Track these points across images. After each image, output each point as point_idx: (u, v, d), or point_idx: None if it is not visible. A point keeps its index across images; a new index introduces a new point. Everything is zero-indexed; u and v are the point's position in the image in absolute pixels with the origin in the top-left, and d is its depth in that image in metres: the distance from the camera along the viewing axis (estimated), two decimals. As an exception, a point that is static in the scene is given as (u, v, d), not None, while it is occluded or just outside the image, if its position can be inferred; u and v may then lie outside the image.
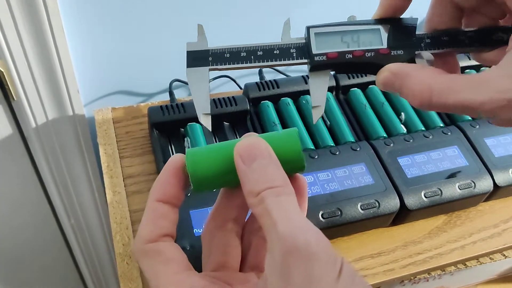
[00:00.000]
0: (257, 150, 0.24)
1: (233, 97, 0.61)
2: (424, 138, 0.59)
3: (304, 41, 0.29)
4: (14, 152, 0.69)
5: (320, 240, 0.20)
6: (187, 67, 0.28)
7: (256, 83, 0.63)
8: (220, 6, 0.64)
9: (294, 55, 0.28)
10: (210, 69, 0.28)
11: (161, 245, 0.23)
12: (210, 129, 0.27)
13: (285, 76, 0.72)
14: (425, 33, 0.29)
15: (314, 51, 0.28)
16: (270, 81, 0.63)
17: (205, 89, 0.28)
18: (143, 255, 0.23)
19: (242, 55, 0.28)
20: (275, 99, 0.63)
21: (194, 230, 0.49)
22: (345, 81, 0.65)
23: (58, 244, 0.87)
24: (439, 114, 0.64)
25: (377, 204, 0.53)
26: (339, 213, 0.52)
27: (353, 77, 0.65)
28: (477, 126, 0.61)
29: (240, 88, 0.72)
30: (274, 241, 0.20)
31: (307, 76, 0.64)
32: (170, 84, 0.66)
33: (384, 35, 0.28)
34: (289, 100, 0.63)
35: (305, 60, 0.28)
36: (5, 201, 0.75)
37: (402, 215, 0.55)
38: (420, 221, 0.58)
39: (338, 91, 0.65)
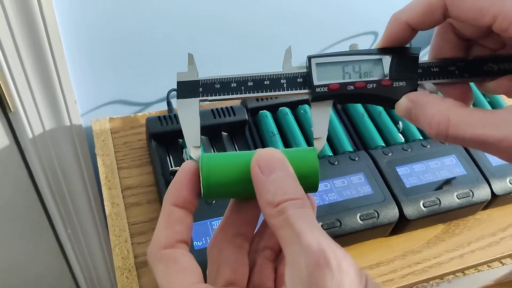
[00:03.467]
0: (276, 161, 0.24)
1: (231, 107, 0.60)
2: (422, 147, 0.60)
3: (305, 70, 0.28)
4: (11, 163, 0.68)
5: (347, 255, 0.20)
6: (177, 98, 0.28)
7: (254, 92, 0.63)
8: (219, 17, 0.64)
9: (287, 86, 0.28)
10: (201, 100, 0.28)
11: (178, 252, 0.23)
12: (199, 163, 0.26)
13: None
14: (423, 62, 0.28)
15: (316, 82, 0.27)
16: (268, 90, 0.63)
17: (196, 121, 0.27)
18: (158, 261, 0.23)
19: (232, 85, 0.28)
20: (273, 109, 0.63)
21: (194, 243, 0.49)
22: (342, 90, 0.65)
23: (55, 255, 0.86)
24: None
25: (376, 214, 0.53)
26: (339, 224, 0.52)
27: (351, 86, 0.66)
28: (474, 135, 0.61)
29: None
30: (298, 253, 0.20)
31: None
32: (168, 93, 0.65)
33: (386, 66, 0.28)
34: (287, 109, 0.63)
35: (306, 91, 0.28)
36: (2, 211, 0.74)
37: (401, 225, 0.55)
38: (419, 230, 0.58)
39: (336, 100, 0.65)
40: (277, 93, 0.28)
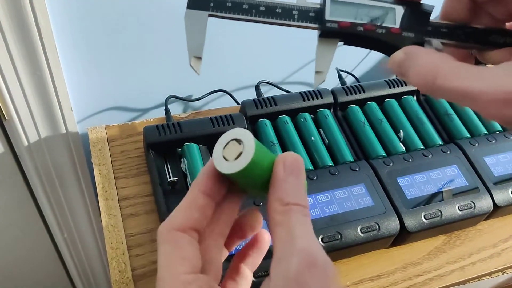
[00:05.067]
0: (300, 167, 0.25)
1: (230, 115, 0.59)
2: (423, 157, 0.59)
3: (319, 6, 0.28)
4: (6, 171, 0.67)
5: (333, 265, 0.22)
6: (186, 8, 0.27)
7: (254, 100, 0.62)
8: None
9: (298, 17, 0.28)
10: (210, 15, 0.28)
11: (186, 239, 0.24)
12: (199, 74, 0.27)
13: (282, 93, 0.71)
14: (434, 22, 0.29)
15: (327, 17, 0.28)
16: (267, 98, 0.62)
17: (201, 33, 0.27)
18: (165, 240, 0.24)
19: (244, 7, 0.28)
20: (273, 117, 0.62)
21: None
22: (343, 97, 0.64)
23: (52, 261, 0.86)
24: (438, 131, 0.63)
25: (377, 226, 0.52)
26: (339, 236, 0.51)
27: (351, 94, 0.65)
28: (476, 144, 0.61)
29: (237, 103, 0.71)
30: (289, 253, 0.22)
31: (304, 92, 0.64)
32: (166, 101, 0.64)
33: (399, 16, 0.29)
34: (287, 118, 0.62)
35: (316, 25, 0.28)
36: (-3, 218, 0.73)
37: (402, 236, 0.54)
38: (420, 241, 0.57)
39: (336, 108, 0.65)
40: (287, 22, 0.28)
